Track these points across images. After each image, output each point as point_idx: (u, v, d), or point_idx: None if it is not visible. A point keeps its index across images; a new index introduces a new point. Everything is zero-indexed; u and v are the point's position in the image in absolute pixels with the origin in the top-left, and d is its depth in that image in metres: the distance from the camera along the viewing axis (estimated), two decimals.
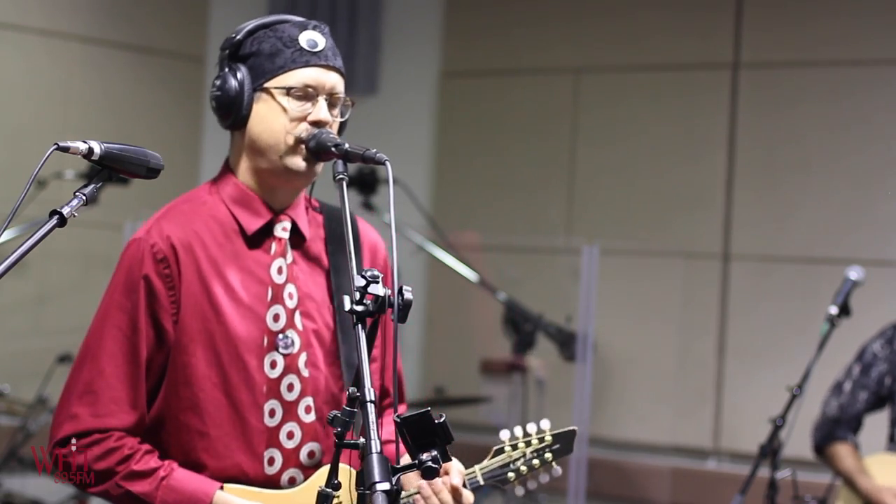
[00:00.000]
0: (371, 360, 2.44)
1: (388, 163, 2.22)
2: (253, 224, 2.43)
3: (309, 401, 2.40)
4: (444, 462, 1.97)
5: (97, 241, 5.50)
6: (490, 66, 6.37)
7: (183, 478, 2.33)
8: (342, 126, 2.47)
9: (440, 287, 6.23)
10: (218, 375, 2.37)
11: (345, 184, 2.24)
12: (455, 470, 2.36)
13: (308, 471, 2.40)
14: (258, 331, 2.39)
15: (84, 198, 2.01)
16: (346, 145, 2.31)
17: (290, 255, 2.45)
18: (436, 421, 1.96)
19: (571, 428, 2.56)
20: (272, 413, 2.38)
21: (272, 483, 2.38)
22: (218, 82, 2.40)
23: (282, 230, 2.45)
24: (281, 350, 2.40)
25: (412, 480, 2.33)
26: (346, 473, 2.21)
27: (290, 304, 2.42)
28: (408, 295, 2.05)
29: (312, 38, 2.40)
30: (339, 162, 2.28)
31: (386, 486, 1.88)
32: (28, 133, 5.58)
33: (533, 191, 6.21)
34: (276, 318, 2.40)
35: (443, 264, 5.36)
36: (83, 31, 5.80)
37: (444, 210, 6.25)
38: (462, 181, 6.41)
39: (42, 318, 5.67)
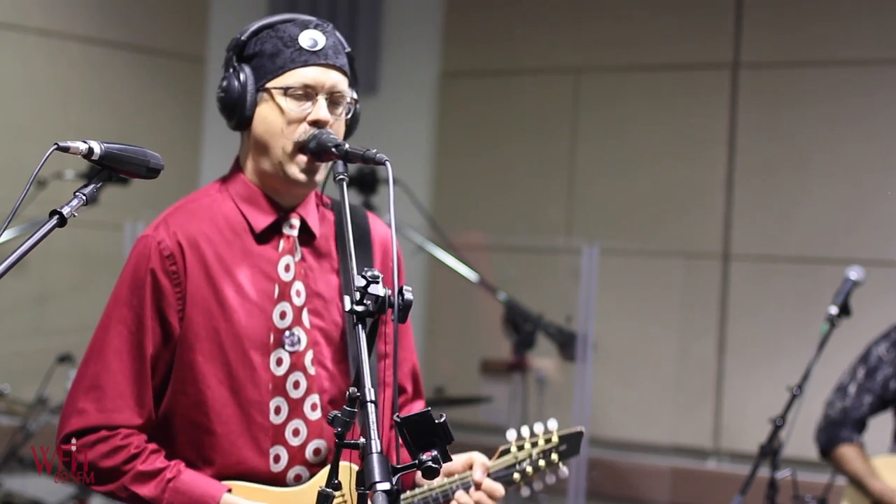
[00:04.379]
0: (382, 357, 2.44)
1: (388, 163, 2.21)
2: (261, 222, 2.43)
3: (315, 398, 2.41)
4: (444, 462, 1.97)
5: (97, 241, 5.50)
6: (490, 66, 6.37)
7: (189, 480, 2.34)
8: (351, 123, 2.46)
9: (441, 287, 6.23)
10: (224, 373, 2.37)
11: (345, 184, 2.23)
12: (477, 464, 2.42)
13: (314, 468, 2.41)
14: (264, 328, 2.39)
15: (84, 198, 2.00)
16: (346, 146, 2.30)
17: (298, 252, 2.45)
18: (436, 421, 1.95)
19: (579, 429, 2.54)
20: (278, 410, 2.39)
21: (278, 480, 2.39)
22: (224, 83, 2.41)
23: (290, 227, 2.45)
24: (287, 347, 2.40)
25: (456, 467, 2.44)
26: (349, 472, 2.21)
27: (298, 301, 2.42)
28: (408, 295, 2.04)
29: (313, 36, 2.41)
30: (340, 162, 2.27)
31: (386, 486, 1.88)
32: (28, 133, 5.57)
33: (533, 191, 6.20)
34: (282, 315, 2.41)
35: (443, 264, 5.36)
36: (82, 31, 5.79)
37: (444, 210, 6.24)
38: (462, 181, 6.40)
39: (42, 318, 5.66)
